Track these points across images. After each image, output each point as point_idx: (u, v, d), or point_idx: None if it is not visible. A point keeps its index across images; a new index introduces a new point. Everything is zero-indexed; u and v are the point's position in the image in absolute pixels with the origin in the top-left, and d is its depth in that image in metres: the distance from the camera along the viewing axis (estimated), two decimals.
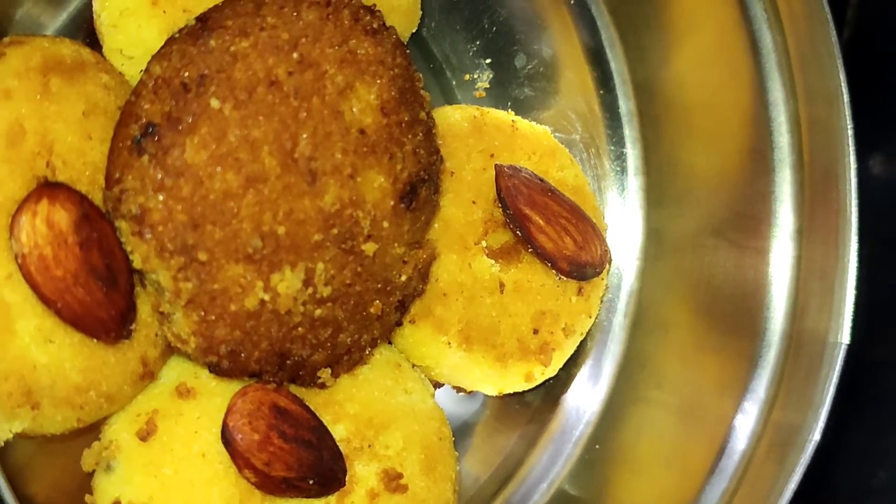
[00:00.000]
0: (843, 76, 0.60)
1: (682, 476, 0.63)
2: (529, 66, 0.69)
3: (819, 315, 0.61)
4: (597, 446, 0.68)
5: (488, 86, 0.69)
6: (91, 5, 0.56)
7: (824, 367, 0.59)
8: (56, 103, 0.52)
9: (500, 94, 0.70)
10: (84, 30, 0.57)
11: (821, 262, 0.62)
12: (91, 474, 0.55)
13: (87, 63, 0.54)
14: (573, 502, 0.67)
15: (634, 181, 0.70)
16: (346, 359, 0.59)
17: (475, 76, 0.69)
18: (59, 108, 0.52)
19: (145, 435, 0.54)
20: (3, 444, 0.50)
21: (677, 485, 0.63)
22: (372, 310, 0.58)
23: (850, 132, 0.60)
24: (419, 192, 0.58)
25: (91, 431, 0.55)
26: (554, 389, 0.69)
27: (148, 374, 0.56)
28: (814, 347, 0.61)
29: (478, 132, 0.65)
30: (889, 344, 0.71)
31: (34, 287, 0.50)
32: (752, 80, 0.63)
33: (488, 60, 0.69)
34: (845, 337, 0.59)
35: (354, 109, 0.54)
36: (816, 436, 0.58)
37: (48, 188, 0.51)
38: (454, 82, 0.69)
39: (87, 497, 0.55)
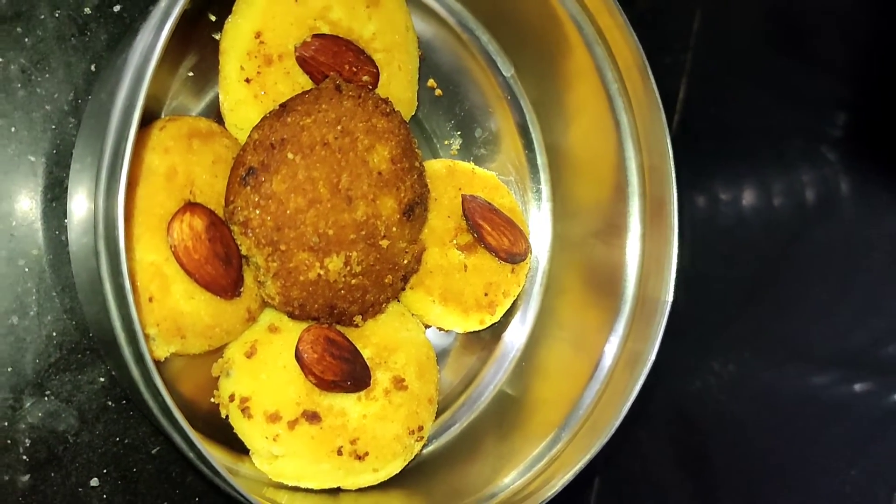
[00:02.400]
0: (669, 141, 0.60)
1: (573, 381, 0.63)
2: (484, 136, 0.69)
3: (655, 285, 0.61)
4: (523, 364, 0.68)
5: (458, 148, 0.69)
6: (219, 98, 0.56)
7: (657, 316, 0.60)
8: (196, 155, 0.52)
9: (466, 153, 0.69)
10: (215, 112, 0.57)
11: (657, 253, 0.62)
12: (216, 379, 0.55)
13: (216, 132, 0.55)
14: (509, 399, 0.67)
15: (546, 205, 0.70)
16: (371, 310, 0.59)
17: (450, 142, 0.69)
18: (198, 159, 0.53)
19: (250, 354, 0.54)
20: (163, 359, 0.51)
21: (569, 387, 0.63)
22: (386, 281, 0.58)
23: (674, 176, 0.60)
24: (415, 210, 0.58)
25: (217, 352, 0.55)
26: (497, 329, 0.68)
27: (251, 318, 0.56)
28: (652, 304, 0.61)
29: (451, 175, 0.65)
30: (697, 304, 0.71)
31: (181, 265, 0.51)
32: (615, 143, 0.63)
33: (459, 132, 0.69)
34: (670, 297, 0.60)
35: (375, 160, 0.55)
36: (653, 356, 0.59)
37: (190, 206, 0.52)
38: (438, 145, 0.68)
39: (214, 391, 0.55)
